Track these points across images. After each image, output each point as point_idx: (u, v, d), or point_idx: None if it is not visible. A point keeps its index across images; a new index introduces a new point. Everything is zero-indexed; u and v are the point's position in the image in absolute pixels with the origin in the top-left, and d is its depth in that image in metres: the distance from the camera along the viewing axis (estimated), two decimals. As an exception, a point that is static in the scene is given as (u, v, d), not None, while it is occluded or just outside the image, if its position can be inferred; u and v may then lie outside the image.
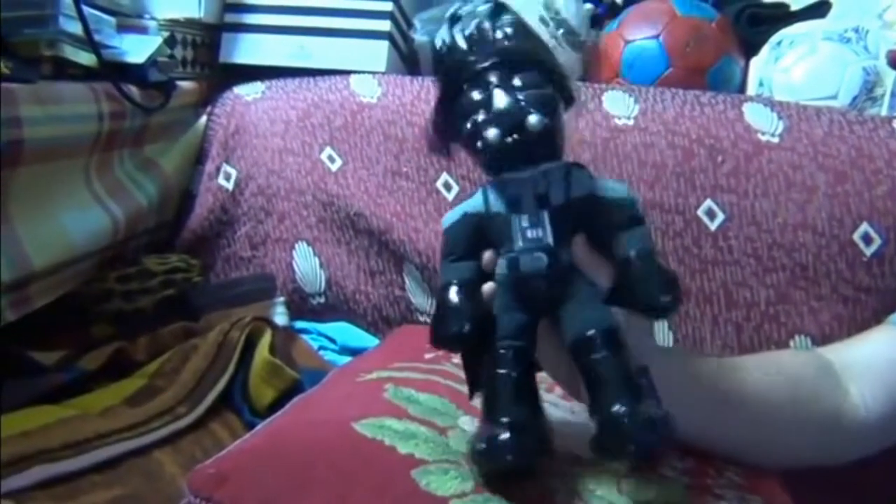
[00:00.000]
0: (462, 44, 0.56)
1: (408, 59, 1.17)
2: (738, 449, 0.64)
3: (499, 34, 0.56)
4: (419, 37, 1.14)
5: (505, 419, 0.52)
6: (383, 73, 1.09)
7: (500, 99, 0.53)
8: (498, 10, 0.57)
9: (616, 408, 0.49)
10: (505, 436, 0.51)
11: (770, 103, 0.95)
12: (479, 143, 0.53)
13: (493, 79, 0.53)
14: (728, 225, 0.91)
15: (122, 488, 0.61)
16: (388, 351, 0.80)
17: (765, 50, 1.08)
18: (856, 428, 0.66)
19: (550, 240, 0.53)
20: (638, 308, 0.52)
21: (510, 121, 0.52)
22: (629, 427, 0.49)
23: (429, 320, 0.99)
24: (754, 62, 1.09)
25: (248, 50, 1.14)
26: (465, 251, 0.56)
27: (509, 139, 0.52)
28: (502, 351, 0.53)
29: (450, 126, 0.56)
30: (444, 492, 0.52)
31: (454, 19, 0.57)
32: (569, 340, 0.52)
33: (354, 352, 0.94)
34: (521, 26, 0.57)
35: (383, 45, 1.10)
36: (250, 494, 0.51)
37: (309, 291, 1.07)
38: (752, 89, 1.08)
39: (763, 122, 0.93)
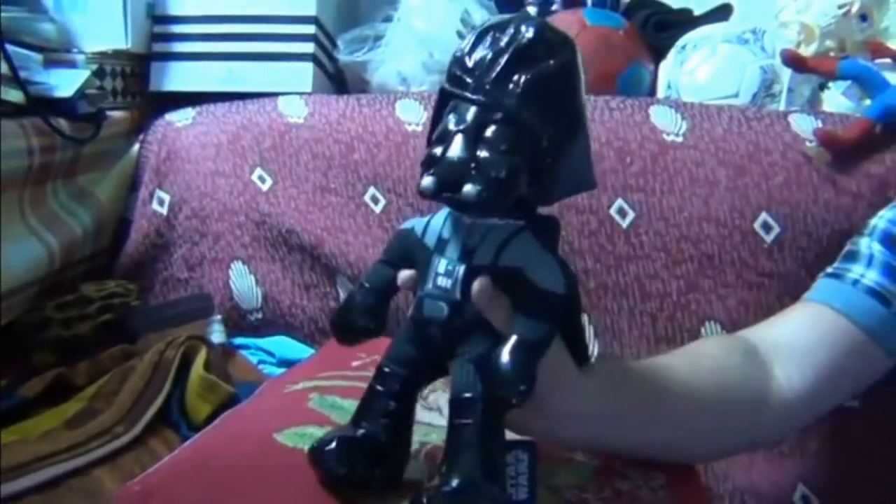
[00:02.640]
0: (468, 62, 0.49)
1: (334, 79, 1.21)
2: (669, 450, 0.65)
3: (511, 80, 0.48)
4: (343, 57, 1.18)
5: (352, 429, 0.54)
6: (310, 94, 1.12)
7: (455, 148, 0.48)
8: (533, 47, 0.48)
9: (452, 481, 0.48)
10: (332, 445, 0.53)
11: (674, 105, 1.00)
12: (421, 174, 0.49)
13: (469, 118, 0.48)
14: (638, 222, 0.96)
15: (62, 507, 0.64)
16: (318, 361, 0.83)
17: (671, 54, 1.13)
18: (783, 408, 0.68)
19: (458, 295, 0.51)
20: (493, 388, 0.49)
21: (449, 178, 0.48)
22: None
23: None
24: (663, 66, 1.15)
25: (178, 77, 1.16)
26: (394, 259, 0.55)
27: (443, 194, 0.48)
28: (385, 369, 0.55)
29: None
30: (356, 496, 0.54)
31: (489, 28, 0.50)
32: (451, 396, 0.51)
33: (292, 364, 0.96)
34: (546, 80, 0.48)
35: (308, 67, 1.13)
36: (176, 509, 0.54)
37: (246, 308, 1.10)
38: (661, 92, 1.13)
39: (668, 123, 0.98)
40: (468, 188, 0.47)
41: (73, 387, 0.83)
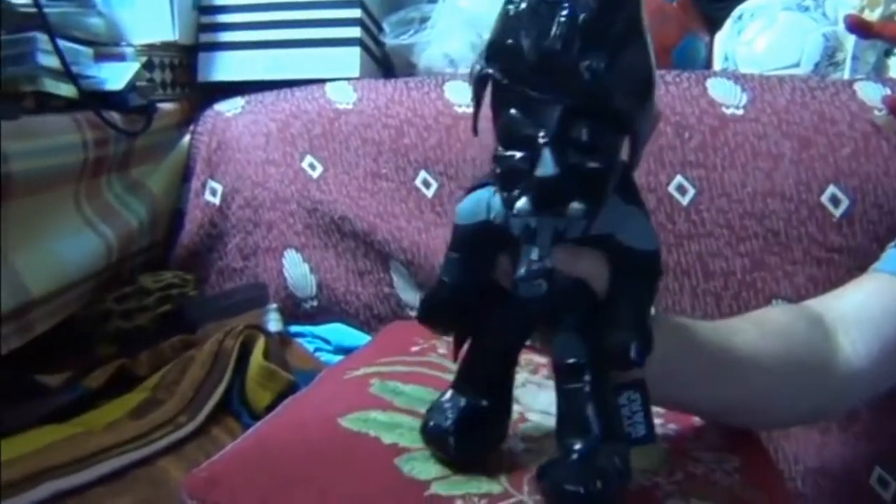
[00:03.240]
0: (527, 51, 0.43)
1: (381, 63, 1.20)
2: (734, 412, 0.65)
3: (590, 66, 0.42)
4: (389, 40, 1.16)
5: (463, 403, 0.55)
6: (357, 79, 1.11)
7: (546, 164, 0.43)
8: (602, 17, 0.42)
9: (575, 446, 0.49)
10: (448, 423, 0.54)
11: (733, 76, 0.97)
12: (504, 193, 0.46)
13: (549, 121, 0.43)
14: (699, 199, 0.94)
15: (129, 497, 0.64)
16: (377, 347, 0.83)
17: (727, 24, 1.10)
18: (848, 377, 0.67)
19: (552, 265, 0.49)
20: (605, 353, 0.49)
21: (546, 199, 0.44)
22: (577, 474, 0.48)
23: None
24: (718, 37, 1.11)
25: (225, 67, 1.16)
26: (467, 254, 0.54)
27: (542, 214, 0.46)
28: (483, 341, 0.55)
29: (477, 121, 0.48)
30: (426, 476, 0.54)
31: (537, 4, 0.43)
32: (554, 363, 0.52)
33: (349, 351, 0.96)
34: (625, 51, 0.43)
35: (355, 52, 1.12)
36: (241, 494, 0.54)
37: (301, 296, 1.10)
38: (717, 64, 1.10)
39: (727, 96, 0.95)
40: (576, 206, 0.44)
41: (135, 377, 0.84)
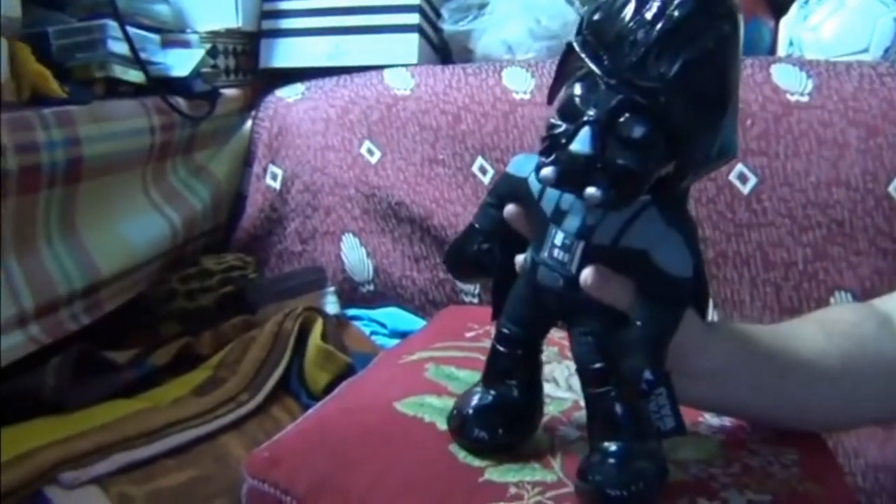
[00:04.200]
0: (607, 32, 0.43)
1: (439, 49, 1.20)
2: (799, 415, 0.63)
3: (659, 64, 0.41)
4: (447, 26, 1.16)
5: (489, 392, 0.55)
6: (415, 65, 1.12)
7: (581, 141, 0.43)
8: (692, 21, 0.41)
9: (610, 449, 0.49)
10: (471, 412, 0.55)
11: (798, 62, 0.95)
12: (541, 151, 0.46)
13: (601, 102, 0.43)
14: (760, 187, 0.92)
15: (194, 471, 0.66)
16: (432, 332, 0.83)
17: (793, 9, 1.07)
18: None
19: (574, 271, 0.49)
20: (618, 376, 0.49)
21: (572, 173, 0.44)
22: (618, 477, 0.48)
23: (473, 301, 1.03)
24: (783, 22, 1.08)
25: (287, 54, 1.18)
26: (502, 203, 0.54)
27: (564, 187, 0.46)
28: (504, 330, 0.55)
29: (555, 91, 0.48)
30: (480, 463, 0.55)
31: None
32: (578, 365, 0.52)
33: (404, 335, 0.98)
34: (703, 63, 0.41)
35: (413, 38, 1.13)
36: (300, 474, 0.55)
37: (358, 280, 1.12)
38: (782, 50, 1.07)
39: (791, 82, 0.93)
40: (592, 192, 0.43)
41: (198, 356, 0.87)
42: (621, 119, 0.43)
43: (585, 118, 0.43)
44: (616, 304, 0.49)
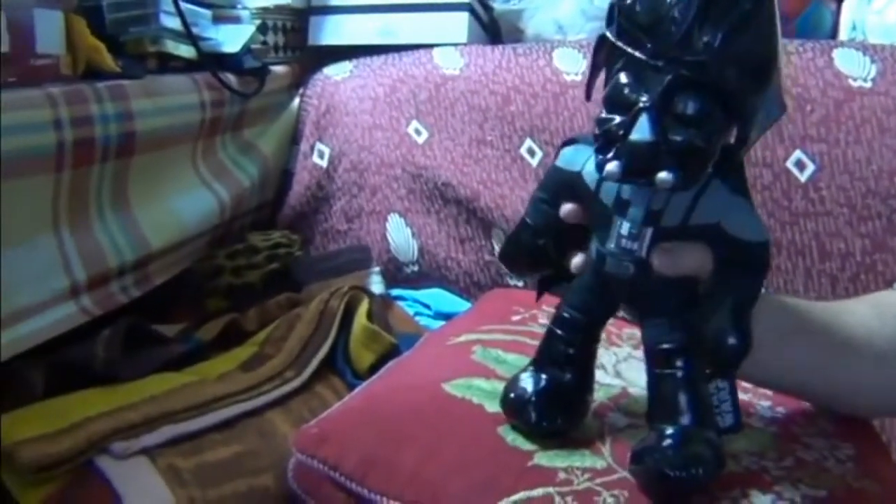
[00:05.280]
0: (643, 15, 0.43)
1: (489, 29, 1.19)
2: (844, 396, 0.62)
3: (703, 38, 0.41)
4: (498, 5, 1.15)
5: (543, 376, 0.55)
6: (465, 45, 1.11)
7: (641, 129, 0.43)
8: None
9: (668, 431, 0.49)
10: (532, 397, 0.54)
11: (862, 47, 0.92)
12: (598, 156, 0.45)
13: (653, 87, 0.43)
14: (819, 175, 0.90)
15: (240, 445, 0.66)
16: (478, 315, 0.83)
17: (857, -8, 1.04)
18: None
19: (644, 254, 0.49)
20: (704, 352, 0.49)
21: (638, 163, 0.44)
22: (677, 459, 0.48)
23: (518, 284, 1.02)
24: (846, 5, 1.05)
25: (335, 31, 1.18)
26: (555, 199, 0.54)
27: (632, 179, 0.45)
28: (564, 314, 0.55)
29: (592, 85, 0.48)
30: (528, 447, 0.55)
31: None
32: (645, 345, 0.52)
33: (448, 316, 0.97)
34: (744, 30, 0.42)
35: (464, 17, 1.12)
36: (349, 451, 0.56)
37: (403, 260, 1.12)
38: (845, 34, 1.04)
39: (854, 68, 0.90)
40: (664, 177, 0.43)
41: (244, 332, 0.87)
42: (676, 99, 0.42)
43: (640, 105, 0.43)
44: (698, 273, 0.49)
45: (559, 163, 0.53)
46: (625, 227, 0.49)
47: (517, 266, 0.60)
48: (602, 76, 0.47)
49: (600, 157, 0.45)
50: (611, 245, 0.50)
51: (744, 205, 0.48)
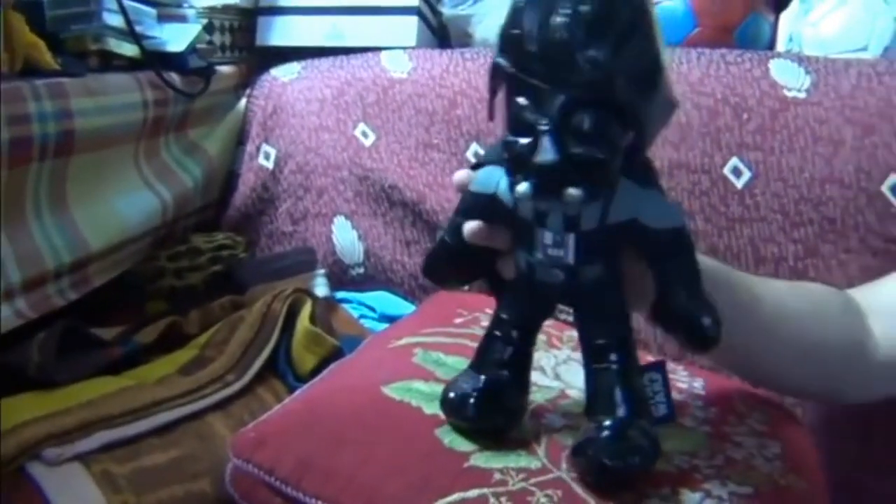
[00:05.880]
0: (532, 42, 0.44)
1: (438, 33, 1.20)
2: (757, 364, 0.65)
3: (591, 57, 0.43)
4: (447, 10, 1.16)
5: (480, 377, 0.56)
6: (413, 48, 1.11)
7: (545, 151, 0.45)
8: (603, 10, 0.43)
9: (606, 423, 0.51)
10: (469, 396, 0.55)
11: (798, 59, 0.94)
12: (510, 177, 0.48)
13: (550, 109, 0.45)
14: (754, 182, 0.92)
15: (178, 450, 0.66)
16: (421, 317, 0.83)
17: (794, 4, 1.06)
18: (875, 365, 0.67)
19: (571, 260, 0.51)
20: (680, 336, 0.51)
21: (547, 183, 0.46)
22: (614, 449, 0.50)
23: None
24: (784, 17, 1.08)
25: (284, 32, 1.17)
26: (474, 218, 0.54)
27: (543, 198, 0.48)
28: (502, 316, 0.56)
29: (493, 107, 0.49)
30: (465, 448, 0.56)
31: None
32: (581, 342, 0.54)
33: (393, 319, 0.97)
34: (628, 46, 0.43)
35: (412, 21, 1.12)
36: (286, 455, 0.56)
37: (348, 263, 1.12)
38: (781, 45, 1.07)
39: (790, 78, 0.92)
40: (573, 192, 0.45)
41: (185, 335, 0.86)
42: (573, 118, 0.44)
43: (540, 128, 0.45)
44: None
45: (473, 187, 0.54)
46: (548, 237, 0.51)
47: (441, 280, 0.61)
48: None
49: (511, 178, 0.48)
50: (538, 255, 0.52)
51: (655, 196, 0.50)
